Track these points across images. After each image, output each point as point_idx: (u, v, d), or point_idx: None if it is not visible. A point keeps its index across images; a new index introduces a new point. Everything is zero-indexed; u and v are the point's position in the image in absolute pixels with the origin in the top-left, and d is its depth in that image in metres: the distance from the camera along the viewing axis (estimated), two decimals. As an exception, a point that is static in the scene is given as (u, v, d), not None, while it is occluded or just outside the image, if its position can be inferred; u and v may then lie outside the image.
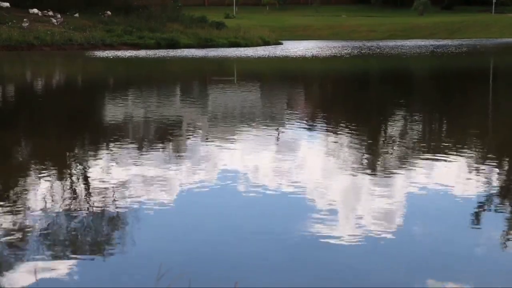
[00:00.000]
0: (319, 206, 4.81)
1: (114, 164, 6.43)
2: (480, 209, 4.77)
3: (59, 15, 41.29)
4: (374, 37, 58.83)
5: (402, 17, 68.47)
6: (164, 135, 8.47)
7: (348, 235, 4.17)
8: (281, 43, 46.64)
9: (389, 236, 4.15)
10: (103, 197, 5.13)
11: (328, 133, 8.47)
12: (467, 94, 14.44)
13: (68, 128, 9.37)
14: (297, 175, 5.88)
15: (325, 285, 3.42)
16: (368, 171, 6.06)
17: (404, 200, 5.02)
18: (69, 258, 3.82)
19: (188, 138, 8.16)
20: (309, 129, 8.86)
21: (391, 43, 47.24)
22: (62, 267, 3.68)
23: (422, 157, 6.71)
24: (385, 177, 5.78)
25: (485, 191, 5.28)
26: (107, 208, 4.83)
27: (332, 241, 4.06)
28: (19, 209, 4.81)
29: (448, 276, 3.51)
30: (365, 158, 6.73)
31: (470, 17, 66.05)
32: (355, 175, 5.84)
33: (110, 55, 30.87)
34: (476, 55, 31.66)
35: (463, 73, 20.77)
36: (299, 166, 6.29)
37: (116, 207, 4.85)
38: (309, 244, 4.00)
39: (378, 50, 34.77)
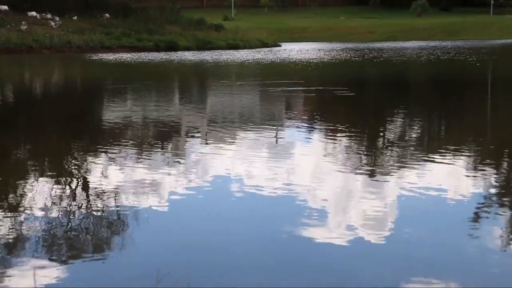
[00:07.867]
0: (315, 209, 4.81)
1: (110, 166, 6.42)
2: (473, 212, 4.77)
3: (57, 18, 41.32)
4: (373, 38, 58.84)
5: (401, 19, 68.55)
6: (161, 138, 8.45)
7: (344, 237, 4.17)
8: (279, 45, 46.72)
9: (382, 238, 4.16)
10: (100, 201, 5.13)
11: (325, 138, 8.47)
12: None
13: (66, 129, 9.36)
14: (293, 178, 5.87)
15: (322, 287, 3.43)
16: (365, 174, 6.06)
17: (400, 202, 5.03)
18: (67, 262, 3.82)
19: (186, 141, 8.15)
20: (307, 133, 8.86)
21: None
22: (60, 271, 3.67)
23: (422, 160, 6.71)
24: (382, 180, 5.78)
25: (479, 194, 5.28)
26: (104, 212, 4.82)
27: (328, 243, 4.06)
28: (16, 211, 4.80)
29: (439, 277, 3.51)
30: (364, 162, 6.73)
31: (468, 19, 66.14)
32: (350, 178, 5.84)
33: (108, 58, 30.87)
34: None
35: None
36: (295, 169, 6.28)
37: (113, 211, 4.84)
38: (307, 247, 4.01)
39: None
